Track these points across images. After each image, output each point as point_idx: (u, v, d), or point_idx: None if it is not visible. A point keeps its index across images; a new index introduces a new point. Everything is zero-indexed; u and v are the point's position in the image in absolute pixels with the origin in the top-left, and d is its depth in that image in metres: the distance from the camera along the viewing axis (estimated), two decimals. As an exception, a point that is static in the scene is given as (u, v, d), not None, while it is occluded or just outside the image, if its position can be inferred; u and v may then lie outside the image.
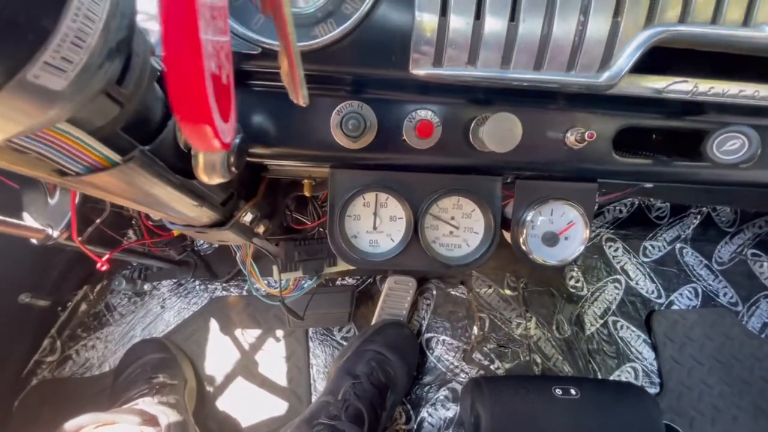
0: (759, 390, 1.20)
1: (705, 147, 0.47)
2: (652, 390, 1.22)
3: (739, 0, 0.41)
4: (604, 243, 1.36)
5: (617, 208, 1.37)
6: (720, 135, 0.46)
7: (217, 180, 0.40)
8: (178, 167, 0.38)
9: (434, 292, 1.23)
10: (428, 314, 1.22)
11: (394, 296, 1.20)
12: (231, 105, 0.23)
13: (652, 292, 1.32)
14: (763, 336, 1.27)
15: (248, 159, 0.49)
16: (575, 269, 1.33)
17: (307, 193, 0.68)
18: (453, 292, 1.24)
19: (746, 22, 0.42)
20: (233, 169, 0.41)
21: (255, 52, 0.42)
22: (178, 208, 0.45)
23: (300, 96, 0.27)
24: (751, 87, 0.45)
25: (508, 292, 1.24)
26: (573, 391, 0.85)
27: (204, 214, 0.50)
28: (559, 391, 0.85)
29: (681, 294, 1.32)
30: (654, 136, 0.58)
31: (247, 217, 0.59)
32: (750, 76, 0.45)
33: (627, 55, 0.41)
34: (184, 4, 0.17)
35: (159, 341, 1.13)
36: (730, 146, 0.46)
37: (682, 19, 0.42)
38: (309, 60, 0.43)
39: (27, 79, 0.17)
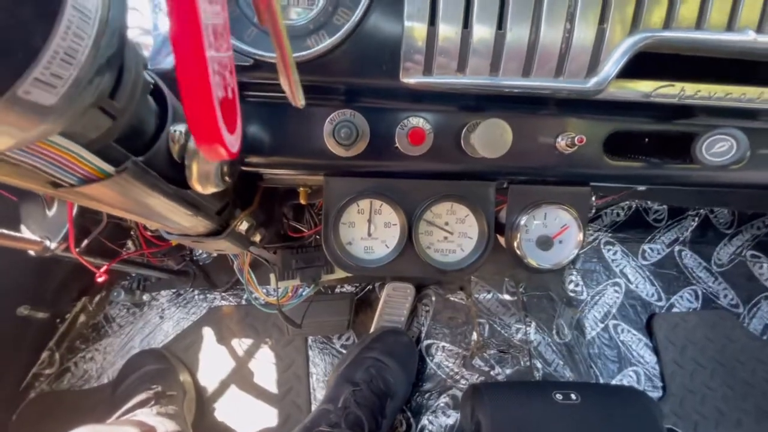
0: (762, 392, 1.19)
1: (694, 149, 0.48)
2: (655, 394, 1.20)
3: (723, 4, 0.42)
4: (602, 246, 1.36)
5: (615, 211, 1.37)
6: (709, 138, 0.47)
7: (211, 189, 0.40)
8: (172, 177, 0.38)
9: (433, 299, 1.23)
10: (427, 321, 1.21)
11: (393, 303, 1.19)
12: (237, 117, 0.27)
13: (652, 295, 1.32)
14: (764, 338, 1.27)
15: (243, 168, 0.49)
16: (574, 273, 1.32)
17: (303, 201, 0.69)
18: (452, 298, 1.24)
19: (730, 26, 0.43)
20: (227, 178, 0.41)
21: (248, 64, 0.43)
22: (173, 218, 0.46)
23: (297, 98, 0.29)
24: (738, 90, 0.45)
25: (507, 297, 1.24)
26: (574, 396, 0.84)
27: (199, 224, 0.51)
28: (559, 397, 0.84)
29: (681, 296, 1.32)
30: (646, 138, 0.58)
31: (243, 226, 0.59)
32: (737, 79, 0.46)
33: (614, 61, 0.42)
34: (190, 38, 0.20)
35: (157, 352, 1.12)
36: (718, 148, 0.47)
37: (667, 24, 0.42)
38: (302, 71, 0.43)
39: (18, 95, 0.18)
